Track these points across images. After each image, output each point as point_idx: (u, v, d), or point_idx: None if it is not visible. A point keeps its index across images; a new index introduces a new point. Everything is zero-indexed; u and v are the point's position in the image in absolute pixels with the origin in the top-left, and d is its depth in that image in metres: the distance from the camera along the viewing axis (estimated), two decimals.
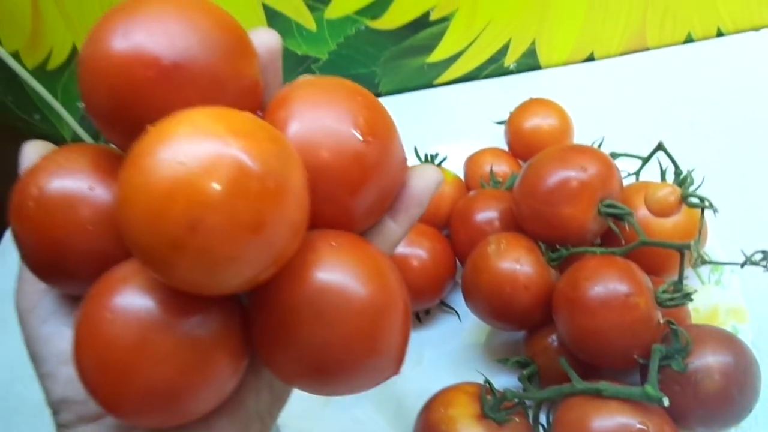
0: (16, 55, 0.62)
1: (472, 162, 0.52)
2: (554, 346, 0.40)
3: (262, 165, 0.17)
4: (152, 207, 0.16)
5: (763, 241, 0.47)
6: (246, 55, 0.22)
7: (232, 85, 0.21)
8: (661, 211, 0.34)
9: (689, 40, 0.62)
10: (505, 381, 0.43)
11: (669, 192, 0.33)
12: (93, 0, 0.57)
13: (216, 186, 0.16)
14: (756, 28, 0.61)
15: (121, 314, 0.19)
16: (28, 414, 0.51)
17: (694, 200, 0.33)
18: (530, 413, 0.39)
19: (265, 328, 0.20)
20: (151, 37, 0.19)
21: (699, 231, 0.33)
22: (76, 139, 0.72)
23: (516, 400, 0.37)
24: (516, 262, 0.40)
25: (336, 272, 0.20)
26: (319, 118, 0.21)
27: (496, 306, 0.41)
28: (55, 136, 0.72)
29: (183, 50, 0.19)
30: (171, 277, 0.17)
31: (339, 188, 0.21)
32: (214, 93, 0.20)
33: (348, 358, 0.20)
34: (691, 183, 0.34)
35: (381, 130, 0.22)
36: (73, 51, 0.62)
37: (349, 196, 0.21)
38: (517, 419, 0.37)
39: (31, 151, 0.24)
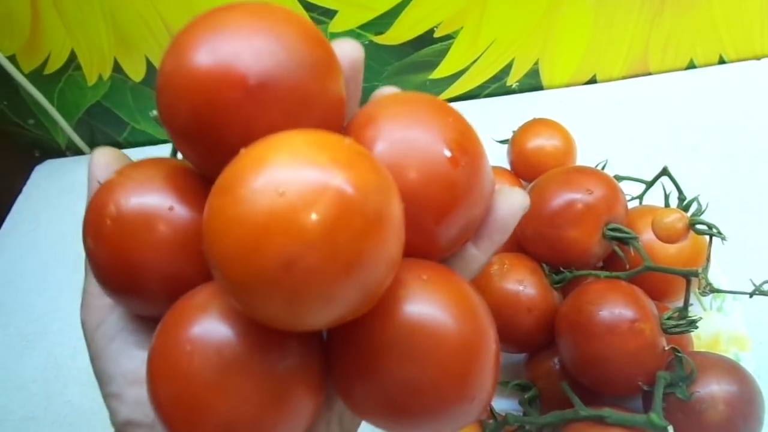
0: (12, 59, 0.61)
1: None
2: (556, 370, 0.40)
3: (365, 199, 0.16)
4: (247, 240, 0.15)
5: (762, 269, 0.47)
6: (332, 71, 0.20)
7: (319, 102, 0.19)
8: (668, 237, 0.34)
9: (691, 66, 0.62)
10: (503, 404, 0.43)
11: (677, 218, 0.33)
12: (93, 5, 0.56)
13: (317, 221, 0.15)
14: (758, 57, 0.61)
15: (200, 346, 0.18)
16: (11, 428, 0.50)
17: (702, 227, 0.33)
18: None
19: (348, 362, 0.19)
20: (237, 54, 0.18)
21: (707, 258, 0.33)
22: (71, 146, 0.71)
23: (517, 424, 0.37)
24: (519, 284, 0.40)
25: (427, 309, 0.19)
26: (409, 138, 0.20)
27: (498, 328, 0.40)
28: (50, 142, 0.71)
29: (270, 68, 0.18)
30: (258, 313, 0.16)
31: (426, 214, 0.20)
32: (300, 111, 0.19)
33: (435, 400, 0.19)
34: (700, 209, 0.34)
35: (473, 153, 0.20)
36: (71, 56, 0.61)
37: (436, 223, 0.20)
38: None
39: (101, 159, 0.23)
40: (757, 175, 0.53)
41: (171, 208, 0.20)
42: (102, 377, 0.22)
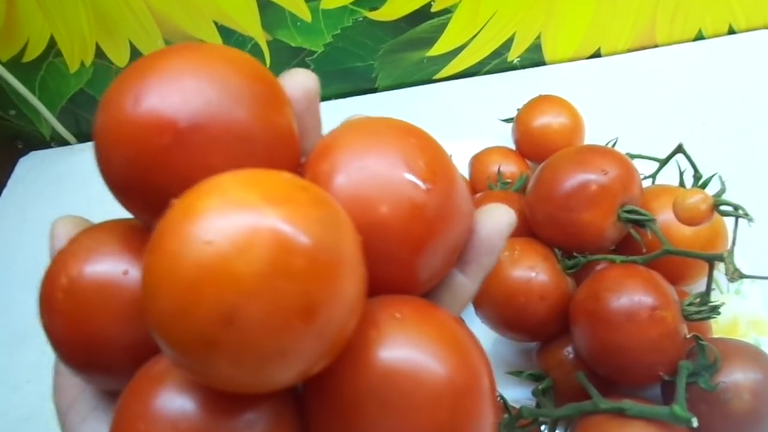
0: None
1: (477, 161, 0.49)
2: (570, 359, 0.38)
3: (307, 236, 0.14)
4: (178, 298, 0.14)
5: None
6: (276, 104, 0.19)
7: (262, 139, 0.18)
8: (691, 219, 0.32)
9: (700, 37, 0.60)
10: (516, 393, 0.41)
11: (701, 199, 0.31)
12: None
13: (252, 267, 0.14)
14: None
15: (156, 424, 0.16)
16: (5, 429, 0.48)
17: (727, 208, 0.31)
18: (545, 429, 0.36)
19: (324, 420, 0.17)
20: (163, 98, 0.17)
21: (733, 241, 0.31)
22: (55, 136, 0.68)
23: (532, 418, 0.35)
24: (531, 270, 0.38)
25: (404, 351, 0.17)
26: (369, 166, 0.18)
27: (509, 316, 0.38)
28: (33, 132, 0.68)
29: (200, 108, 0.17)
30: (207, 378, 0.15)
31: (399, 247, 0.18)
32: (241, 150, 0.18)
33: None
34: (723, 189, 0.32)
35: (442, 174, 0.19)
36: (51, 42, 0.58)
37: (413, 255, 0.18)
38: None
39: (61, 229, 0.22)
40: None
41: (125, 273, 0.19)
42: None
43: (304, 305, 0.14)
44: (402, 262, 0.18)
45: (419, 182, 0.18)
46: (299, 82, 0.20)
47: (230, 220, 0.14)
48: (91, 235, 0.20)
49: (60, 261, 0.20)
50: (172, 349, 0.14)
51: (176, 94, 0.17)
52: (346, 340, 0.16)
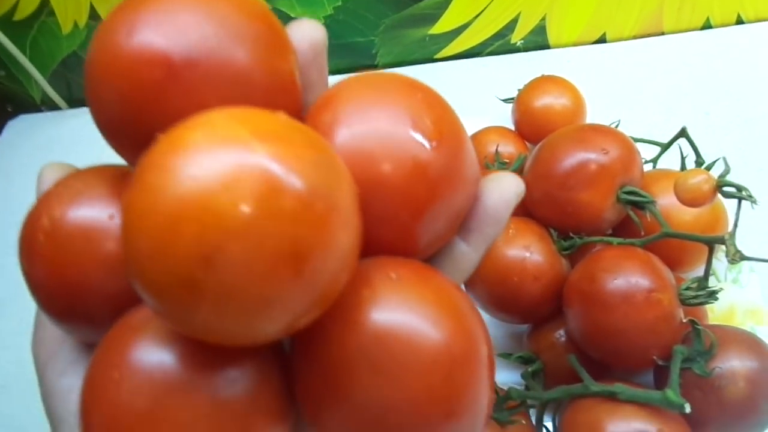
0: None
1: (475, 140, 0.48)
2: (561, 342, 0.37)
3: (298, 177, 0.13)
4: (157, 236, 0.13)
5: None
6: (279, 48, 0.18)
7: (262, 83, 0.17)
8: (693, 200, 0.31)
9: (707, 26, 0.59)
10: (505, 377, 0.40)
11: (703, 180, 0.30)
12: None
13: (237, 205, 0.13)
14: None
15: (129, 374, 0.15)
16: None
17: (731, 190, 0.30)
18: (533, 413, 0.36)
19: (311, 382, 0.16)
20: (157, 31, 0.16)
21: (735, 223, 0.30)
22: (46, 100, 0.66)
23: (520, 400, 0.34)
24: (525, 250, 0.37)
25: (398, 313, 0.16)
26: (373, 121, 0.17)
27: (502, 296, 0.38)
28: (23, 95, 0.66)
29: (197, 43, 0.16)
30: (187, 326, 0.14)
31: (400, 207, 0.17)
32: (238, 92, 0.17)
33: (416, 423, 0.16)
34: (727, 170, 0.31)
35: (449, 134, 0.18)
36: (43, 3, 0.57)
37: (413, 217, 0.17)
38: (523, 421, 0.34)
39: (49, 175, 0.21)
40: None
41: (112, 217, 0.18)
42: (52, 417, 0.20)
43: (293, 250, 0.13)
44: (402, 223, 0.17)
45: (424, 140, 0.17)
46: (306, 32, 0.19)
47: (217, 154, 0.13)
48: (78, 177, 0.19)
49: (43, 202, 0.19)
50: (149, 293, 0.14)
51: (171, 28, 0.16)
52: (336, 293, 0.15)
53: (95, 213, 0.18)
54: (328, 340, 0.16)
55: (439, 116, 0.18)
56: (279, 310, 0.14)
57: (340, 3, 0.57)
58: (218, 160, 0.13)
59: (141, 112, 0.16)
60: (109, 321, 0.17)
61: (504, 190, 0.20)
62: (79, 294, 0.18)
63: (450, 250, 0.20)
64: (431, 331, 0.16)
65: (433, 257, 0.20)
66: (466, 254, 0.20)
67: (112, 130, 0.17)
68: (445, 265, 0.20)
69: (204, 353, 0.15)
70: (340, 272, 0.14)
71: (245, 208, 0.13)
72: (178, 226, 0.13)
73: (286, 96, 0.18)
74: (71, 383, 0.19)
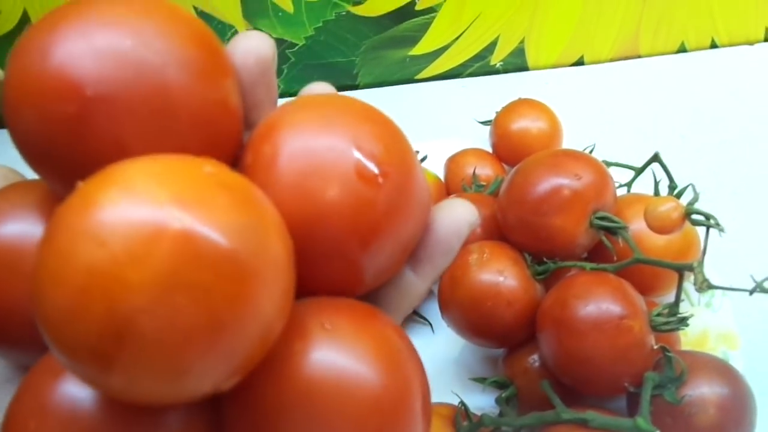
0: None
1: (453, 162, 0.48)
2: (535, 367, 0.37)
3: (218, 246, 0.12)
4: (67, 303, 0.12)
5: (753, 262, 0.45)
6: (213, 73, 0.17)
7: (192, 115, 0.16)
8: (662, 227, 0.31)
9: (682, 50, 0.60)
10: (479, 401, 0.40)
11: (672, 207, 0.30)
12: None
13: (149, 277, 0.12)
14: (750, 42, 0.59)
15: (47, 422, 0.15)
16: None
17: (699, 217, 0.30)
18: None
19: (241, 430, 0.16)
20: (72, 56, 0.15)
21: (703, 252, 0.30)
22: None
23: (493, 426, 0.34)
24: (499, 274, 0.37)
25: (330, 367, 0.15)
26: (317, 150, 0.16)
27: (476, 321, 0.37)
28: None
29: (113, 73, 0.15)
30: (101, 390, 0.13)
31: (344, 241, 0.16)
32: (163, 128, 0.15)
33: None
34: (696, 198, 0.31)
35: (398, 164, 0.17)
36: (24, 17, 0.57)
37: (359, 251, 0.17)
38: None
39: None
40: (748, 165, 0.51)
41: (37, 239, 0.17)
42: None
43: (208, 322, 0.12)
44: (347, 258, 0.17)
45: (371, 171, 0.16)
46: (252, 46, 0.18)
47: (129, 220, 0.12)
48: (4, 194, 0.18)
49: None
50: (60, 356, 0.13)
51: (87, 54, 0.15)
52: (262, 355, 0.14)
53: (21, 232, 0.17)
54: (258, 392, 0.15)
55: (388, 145, 0.17)
56: (197, 378, 0.13)
57: (321, 24, 0.57)
58: (129, 226, 0.12)
59: (57, 146, 0.15)
60: (37, 346, 0.16)
61: (456, 218, 0.19)
62: (4, 319, 0.17)
63: (398, 281, 0.19)
64: (362, 384, 0.15)
65: (380, 288, 0.19)
66: (414, 285, 0.19)
67: (31, 157, 0.16)
68: (391, 295, 0.19)
69: (125, 405, 0.15)
70: (264, 336, 0.14)
71: (156, 281, 0.12)
72: (87, 297, 0.12)
73: (219, 125, 0.17)
74: (2, 403, 0.18)
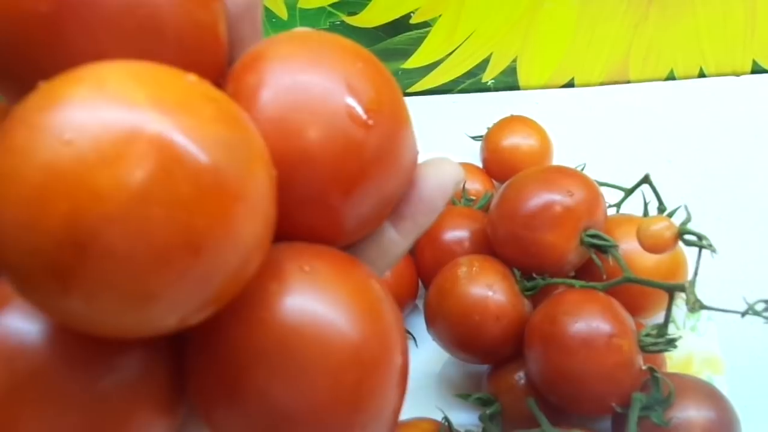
0: None
1: None
2: (521, 385, 0.37)
3: (199, 157, 0.11)
4: (22, 209, 0.11)
5: (737, 288, 0.45)
6: None
7: (177, 34, 0.15)
8: (654, 246, 0.31)
9: (671, 77, 0.60)
10: (462, 418, 0.39)
11: (665, 227, 0.30)
12: None
13: (120, 184, 0.11)
14: (737, 74, 0.60)
15: None
16: None
17: (692, 238, 0.30)
18: None
19: (206, 379, 0.15)
20: None
21: (695, 272, 0.30)
22: None
23: None
24: (488, 289, 0.36)
25: (307, 311, 0.14)
26: (304, 86, 0.15)
27: (462, 335, 0.37)
28: None
29: None
30: (56, 316, 0.12)
31: (328, 185, 0.15)
32: (146, 42, 0.14)
33: (320, 425, 0.14)
34: (689, 218, 0.31)
35: (389, 110, 0.16)
36: None
37: (341, 197, 0.16)
38: None
39: None
40: (732, 192, 0.51)
41: None
42: None
43: (185, 242, 0.11)
44: (327, 204, 0.16)
45: (361, 113, 0.15)
46: None
47: (102, 117, 0.11)
48: None
49: None
50: (12, 274, 0.11)
51: None
52: (237, 288, 0.13)
53: None
54: (228, 335, 0.14)
55: (379, 88, 0.16)
56: (166, 306, 0.12)
57: None
58: (102, 124, 0.11)
59: (21, 50, 0.13)
60: None
61: (442, 177, 0.19)
62: None
63: (378, 237, 0.19)
64: (342, 333, 0.14)
65: (359, 243, 0.18)
66: (395, 242, 0.19)
67: None
68: (371, 251, 0.19)
69: (79, 338, 0.13)
70: (242, 267, 0.13)
71: (130, 189, 0.11)
72: (46, 201, 0.11)
73: (205, 52, 0.16)
74: None
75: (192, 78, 0.13)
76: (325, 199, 0.16)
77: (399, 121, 0.17)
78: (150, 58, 0.13)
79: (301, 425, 0.14)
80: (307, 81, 0.15)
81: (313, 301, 0.15)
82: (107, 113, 0.11)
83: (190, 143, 0.11)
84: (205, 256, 0.12)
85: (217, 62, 0.16)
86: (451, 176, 0.19)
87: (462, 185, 0.46)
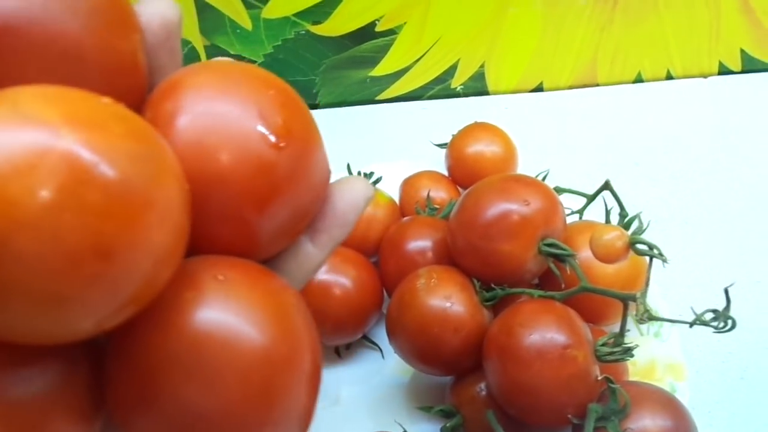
0: None
1: (408, 185, 0.48)
2: (482, 396, 0.36)
3: (108, 168, 0.12)
4: None
5: (702, 293, 0.45)
6: (120, 25, 0.17)
7: (97, 62, 0.16)
8: (607, 256, 0.31)
9: (639, 80, 0.61)
10: (426, 430, 0.39)
11: (616, 236, 0.30)
12: None
13: (33, 192, 0.11)
14: (704, 76, 0.60)
15: None
16: None
17: (643, 247, 0.30)
18: None
19: (122, 385, 0.15)
20: None
21: (646, 282, 0.30)
22: None
23: None
24: (447, 300, 0.36)
25: (219, 316, 0.15)
26: (218, 112, 0.16)
27: (422, 347, 0.37)
28: None
29: (19, 7, 0.14)
30: None
31: (242, 203, 0.17)
32: (68, 71, 0.15)
33: (234, 423, 0.15)
34: (641, 228, 0.31)
35: (299, 133, 0.17)
36: None
37: (255, 213, 0.17)
38: None
39: None
40: (699, 195, 0.51)
41: None
42: None
43: (96, 247, 0.12)
44: (242, 220, 0.17)
45: (272, 138, 0.17)
46: (157, 9, 0.18)
47: (16, 134, 0.12)
48: None
49: None
50: None
51: None
52: (150, 295, 0.14)
53: None
54: (143, 341, 0.15)
55: (290, 114, 0.17)
56: (79, 310, 0.13)
57: (279, 42, 0.57)
58: (16, 140, 0.12)
59: None
60: None
61: (354, 193, 0.20)
62: None
63: (295, 250, 0.20)
64: (252, 337, 0.15)
65: (278, 256, 0.20)
66: (311, 255, 0.20)
67: None
68: (289, 264, 0.20)
69: None
70: (154, 274, 0.14)
71: (41, 197, 0.11)
72: None
73: (125, 78, 0.17)
74: None
75: (106, 100, 0.14)
76: (240, 216, 0.17)
77: (309, 143, 0.18)
78: (72, 84, 0.14)
79: (215, 424, 0.15)
80: (222, 108, 0.17)
81: (226, 308, 0.15)
82: (21, 131, 0.12)
83: (99, 156, 0.12)
84: (115, 261, 0.12)
85: (137, 88, 0.17)
86: (362, 193, 0.20)
87: (427, 194, 0.46)
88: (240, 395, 0.15)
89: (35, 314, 0.12)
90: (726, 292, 0.27)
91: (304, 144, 0.18)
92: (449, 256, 0.40)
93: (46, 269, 0.12)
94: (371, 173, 0.48)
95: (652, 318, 0.29)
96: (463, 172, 0.48)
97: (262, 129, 0.16)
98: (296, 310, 0.17)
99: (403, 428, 0.35)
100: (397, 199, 0.48)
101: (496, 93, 0.62)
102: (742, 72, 0.60)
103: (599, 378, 0.32)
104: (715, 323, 0.27)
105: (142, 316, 0.14)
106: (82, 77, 0.15)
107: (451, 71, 0.60)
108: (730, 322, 0.27)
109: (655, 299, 0.41)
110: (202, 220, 0.15)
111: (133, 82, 0.17)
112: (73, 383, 0.15)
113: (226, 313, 0.15)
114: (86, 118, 0.13)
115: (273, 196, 0.17)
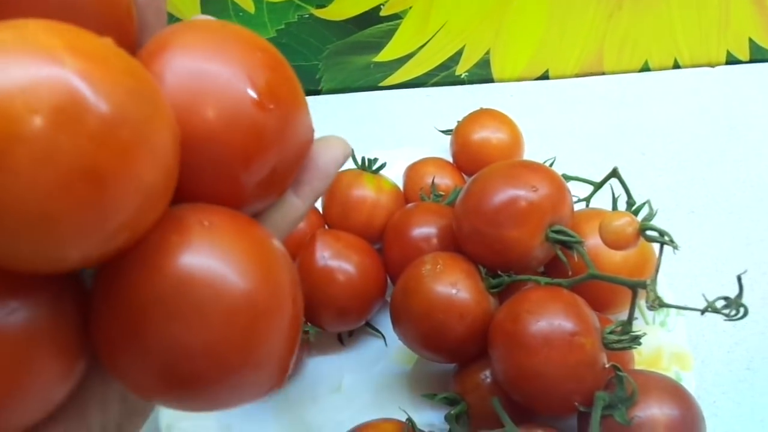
0: None
1: (412, 171, 0.47)
2: (487, 384, 0.36)
3: (107, 99, 0.13)
4: None
5: (708, 282, 0.45)
6: None
7: (95, 12, 0.16)
8: (616, 242, 0.30)
9: (646, 68, 0.60)
10: (430, 417, 0.39)
11: (627, 223, 0.30)
12: None
13: (34, 111, 0.12)
14: (712, 65, 0.59)
15: None
16: None
17: (653, 234, 0.30)
18: None
19: (107, 323, 0.16)
20: None
21: (657, 268, 0.30)
22: None
23: None
24: (452, 287, 0.36)
25: (203, 260, 0.16)
26: (206, 72, 0.17)
27: (427, 334, 0.36)
28: None
29: None
30: None
31: (229, 161, 0.17)
32: (67, 19, 0.15)
33: (213, 369, 0.16)
34: (651, 214, 0.31)
35: (285, 95, 0.18)
36: None
37: (241, 171, 0.18)
38: None
39: None
40: (705, 184, 0.51)
41: None
42: None
43: (88, 171, 0.12)
44: (230, 173, 0.17)
45: (259, 99, 0.17)
46: None
47: (21, 57, 0.12)
48: None
49: None
50: None
51: None
52: (138, 230, 0.15)
53: None
54: (128, 281, 0.15)
55: (277, 77, 0.18)
56: (64, 235, 0.13)
57: (283, 26, 0.56)
58: (21, 63, 0.12)
59: None
60: None
61: (333, 150, 0.22)
62: None
63: (281, 203, 0.21)
64: (235, 280, 0.16)
65: (264, 209, 0.21)
66: (294, 205, 0.22)
67: None
68: (275, 215, 0.21)
69: None
70: (143, 208, 0.14)
71: (41, 116, 0.12)
72: None
73: (119, 30, 0.17)
74: None
75: (107, 40, 0.14)
76: (228, 170, 0.17)
77: (293, 106, 0.19)
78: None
79: (197, 362, 0.15)
80: (210, 69, 0.17)
81: (211, 252, 0.16)
82: (27, 56, 0.12)
83: (98, 85, 0.13)
84: (105, 189, 0.13)
85: (129, 41, 0.18)
86: (341, 149, 0.22)
87: (432, 180, 0.45)
88: (222, 335, 0.15)
89: (23, 234, 0.12)
90: (739, 279, 0.26)
91: (289, 105, 0.18)
92: (454, 243, 0.39)
93: (38, 186, 0.12)
94: (375, 159, 0.47)
95: (663, 305, 0.28)
96: (468, 159, 0.47)
97: (250, 92, 0.17)
98: (280, 259, 0.17)
99: (408, 415, 0.34)
100: (401, 185, 0.48)
101: (501, 80, 0.61)
102: (750, 61, 0.59)
103: (606, 366, 0.32)
104: (726, 311, 0.27)
105: (128, 257, 0.15)
106: (80, 26, 0.16)
107: (455, 58, 0.59)
108: (742, 309, 0.27)
109: (662, 289, 0.41)
110: (190, 172, 0.16)
111: (127, 34, 0.18)
112: (59, 319, 0.15)
113: (210, 257, 0.16)
114: (89, 50, 0.13)
115: (259, 156, 0.18)
